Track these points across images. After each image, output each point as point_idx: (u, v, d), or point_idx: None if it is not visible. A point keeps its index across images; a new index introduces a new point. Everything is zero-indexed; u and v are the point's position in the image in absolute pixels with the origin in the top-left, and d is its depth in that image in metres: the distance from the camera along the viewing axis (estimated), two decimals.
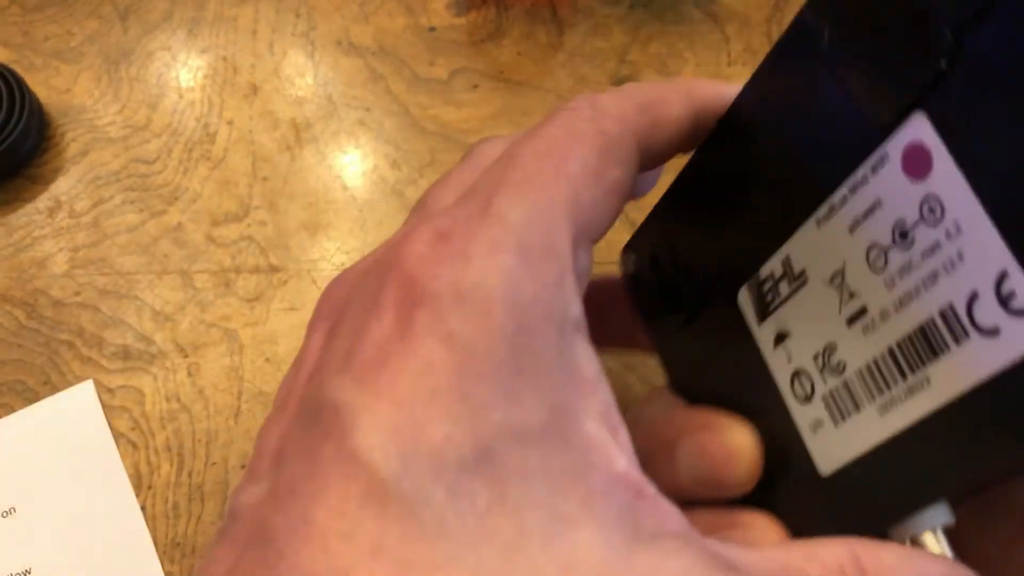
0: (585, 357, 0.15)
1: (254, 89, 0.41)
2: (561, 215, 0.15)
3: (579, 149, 0.16)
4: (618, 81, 0.40)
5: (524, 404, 0.14)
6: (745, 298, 0.21)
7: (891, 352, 0.18)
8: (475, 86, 0.41)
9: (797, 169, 0.19)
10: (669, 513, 0.15)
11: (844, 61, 0.18)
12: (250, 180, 0.39)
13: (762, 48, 0.40)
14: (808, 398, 0.19)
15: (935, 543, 0.17)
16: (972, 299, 0.16)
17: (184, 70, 0.41)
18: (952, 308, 0.16)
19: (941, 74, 0.16)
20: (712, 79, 0.20)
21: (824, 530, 0.17)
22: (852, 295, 0.18)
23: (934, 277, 0.17)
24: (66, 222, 0.38)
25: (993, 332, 0.16)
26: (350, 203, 0.39)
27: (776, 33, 0.40)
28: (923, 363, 0.17)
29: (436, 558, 0.12)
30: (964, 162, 0.16)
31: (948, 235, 0.16)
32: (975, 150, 0.16)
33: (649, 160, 0.18)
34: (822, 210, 0.19)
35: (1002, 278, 0.15)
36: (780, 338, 0.20)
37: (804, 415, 0.19)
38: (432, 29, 0.42)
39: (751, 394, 0.20)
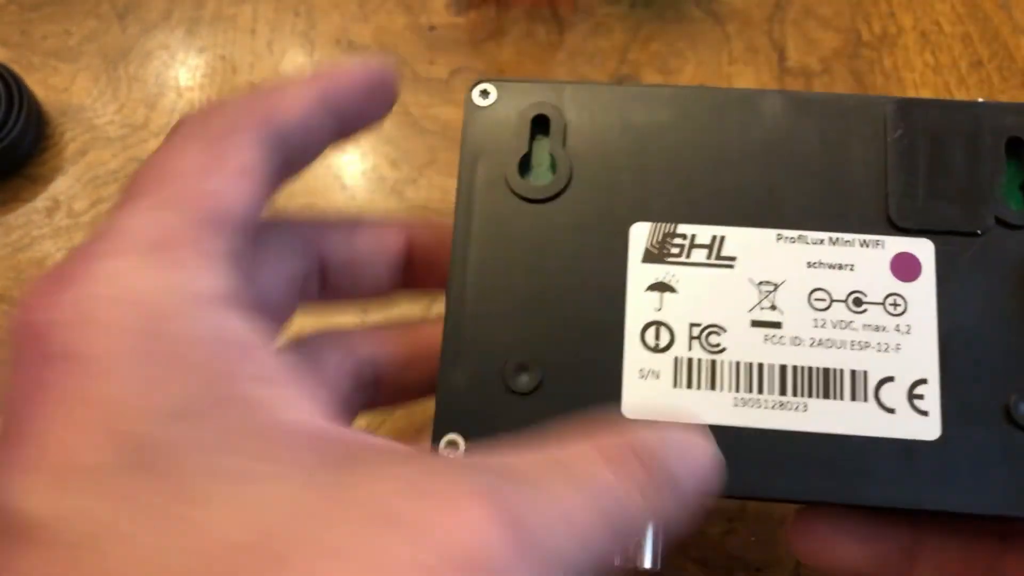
0: (238, 325, 0.16)
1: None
2: (175, 210, 0.16)
3: (186, 150, 0.18)
4: (619, 80, 0.39)
5: (169, 388, 0.14)
6: (641, 233, 0.21)
7: (784, 369, 0.20)
8: None
9: (792, 189, 0.21)
10: (365, 437, 0.15)
11: (907, 148, 0.21)
12: None
13: (763, 47, 0.39)
14: (659, 350, 0.21)
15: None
16: (886, 380, 0.20)
17: (183, 69, 0.41)
18: (865, 375, 0.20)
19: (974, 233, 0.21)
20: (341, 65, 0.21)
21: None
22: (774, 307, 0.21)
23: (865, 346, 0.20)
24: (65, 222, 0.38)
25: (889, 410, 0.20)
26: (349, 203, 0.39)
27: (777, 32, 0.40)
28: (810, 394, 0.20)
29: (125, 569, 0.13)
30: (942, 296, 0.20)
31: (898, 329, 0.20)
32: (956, 297, 0.20)
33: (299, 143, 0.19)
34: (791, 232, 0.21)
35: (920, 382, 0.20)
36: (661, 287, 0.21)
37: (641, 359, 0.21)
38: (432, 28, 0.42)
39: (594, 308, 0.21)
